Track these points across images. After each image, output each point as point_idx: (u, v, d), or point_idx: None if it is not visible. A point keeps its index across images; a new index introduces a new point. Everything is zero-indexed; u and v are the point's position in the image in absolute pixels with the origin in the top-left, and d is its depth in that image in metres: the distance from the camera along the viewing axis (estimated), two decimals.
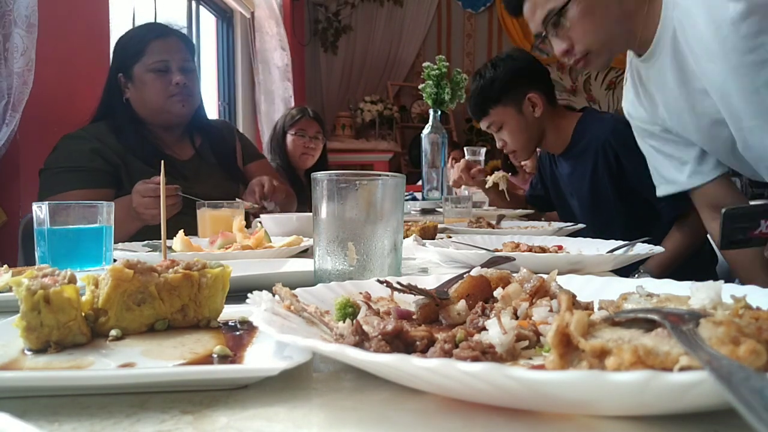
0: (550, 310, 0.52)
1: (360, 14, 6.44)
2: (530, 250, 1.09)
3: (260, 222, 1.57)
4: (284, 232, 1.46)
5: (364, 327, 0.47)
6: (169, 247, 1.15)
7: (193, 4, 4.26)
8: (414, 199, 3.08)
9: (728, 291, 0.47)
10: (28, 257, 1.62)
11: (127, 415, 0.37)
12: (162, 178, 0.78)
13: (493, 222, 1.80)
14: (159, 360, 0.46)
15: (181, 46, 1.96)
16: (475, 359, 0.41)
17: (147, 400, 0.39)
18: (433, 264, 1.14)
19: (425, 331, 0.46)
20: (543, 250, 1.11)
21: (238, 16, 4.82)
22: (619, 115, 2.37)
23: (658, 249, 1.06)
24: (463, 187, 2.62)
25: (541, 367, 0.43)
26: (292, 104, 4.87)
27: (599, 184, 2.10)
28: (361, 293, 0.61)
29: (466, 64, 6.41)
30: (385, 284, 0.58)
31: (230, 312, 0.59)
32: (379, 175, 0.78)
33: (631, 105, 1.66)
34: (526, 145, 2.24)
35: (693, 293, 0.46)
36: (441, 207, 2.20)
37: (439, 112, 2.48)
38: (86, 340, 0.50)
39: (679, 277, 0.67)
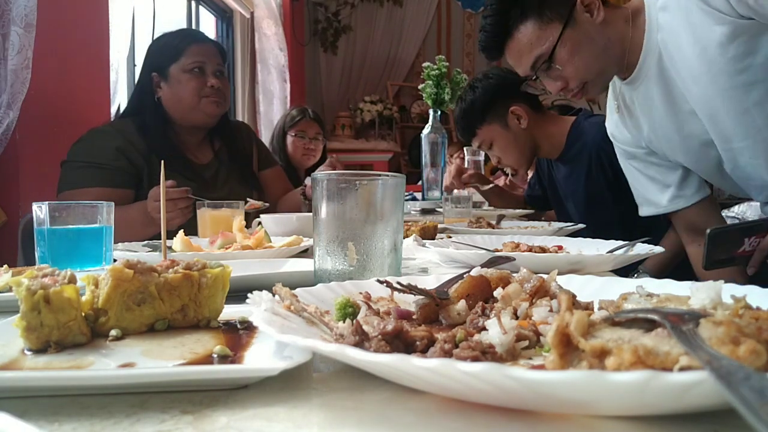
0: (550, 310, 0.52)
1: (360, 14, 6.44)
2: (530, 250, 1.09)
3: (260, 222, 1.57)
4: (284, 232, 1.46)
5: (364, 327, 0.47)
6: (169, 247, 1.15)
7: (193, 4, 4.25)
8: (414, 199, 3.08)
9: (728, 291, 0.47)
10: (28, 257, 1.62)
11: (127, 415, 0.37)
12: (162, 178, 0.78)
13: (493, 222, 1.80)
14: (159, 360, 0.46)
15: (216, 52, 2.04)
16: (475, 359, 0.41)
17: (147, 400, 0.39)
18: (433, 264, 1.14)
19: (425, 331, 0.46)
20: (543, 250, 1.11)
21: (237, 16, 4.82)
22: None
23: (658, 249, 1.06)
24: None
25: (541, 367, 0.43)
26: (289, 104, 4.87)
27: (595, 187, 2.11)
28: (361, 293, 0.61)
29: (465, 64, 6.41)
30: (385, 284, 0.58)
31: (230, 312, 0.59)
32: (379, 175, 0.78)
33: (615, 127, 1.65)
34: (519, 158, 2.25)
35: (693, 293, 0.46)
36: (441, 207, 2.20)
37: (439, 112, 2.49)
38: (86, 340, 0.50)
39: (679, 277, 0.67)
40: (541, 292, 0.56)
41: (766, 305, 0.46)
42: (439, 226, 1.61)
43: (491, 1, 1.57)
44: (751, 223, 1.34)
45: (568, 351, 0.39)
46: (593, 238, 1.27)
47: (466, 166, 2.78)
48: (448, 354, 0.43)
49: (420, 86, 2.47)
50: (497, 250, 1.13)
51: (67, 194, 1.75)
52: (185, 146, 2.03)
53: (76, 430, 0.35)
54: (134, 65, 3.11)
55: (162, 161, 0.90)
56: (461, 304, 0.55)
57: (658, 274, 1.83)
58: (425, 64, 2.43)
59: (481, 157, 2.72)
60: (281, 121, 3.37)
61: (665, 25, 1.32)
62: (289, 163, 3.21)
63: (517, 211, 2.44)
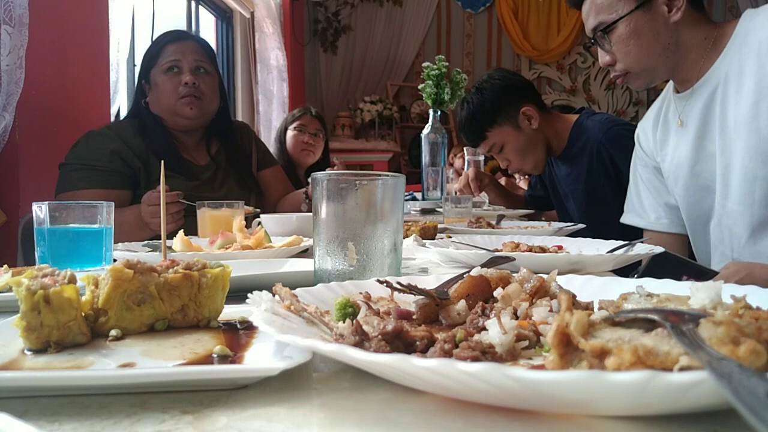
0: (550, 310, 0.52)
1: (360, 14, 6.45)
2: (530, 250, 1.08)
3: (260, 222, 1.57)
4: (284, 232, 1.46)
5: (364, 327, 0.47)
6: (169, 247, 1.15)
7: (193, 4, 4.25)
8: (414, 199, 3.08)
9: (728, 291, 0.47)
10: (28, 257, 1.62)
11: (127, 415, 0.37)
12: (162, 179, 0.78)
13: (493, 222, 1.80)
14: (159, 360, 0.46)
15: (195, 48, 1.98)
16: (475, 359, 0.41)
17: (147, 400, 0.39)
18: (433, 264, 1.14)
19: (425, 331, 0.46)
20: (543, 250, 1.11)
21: (237, 16, 4.82)
22: (613, 117, 2.37)
23: (658, 249, 1.06)
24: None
25: (541, 367, 0.43)
26: (288, 105, 4.87)
27: (595, 185, 2.11)
28: (361, 293, 0.61)
29: (465, 64, 6.41)
30: (385, 284, 0.58)
31: (230, 312, 0.59)
32: (379, 175, 0.78)
33: (643, 131, 1.64)
34: (536, 160, 2.24)
35: (693, 293, 0.46)
36: (441, 207, 2.20)
37: (439, 112, 2.48)
38: (86, 340, 0.50)
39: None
40: (541, 292, 0.56)
41: (766, 305, 0.46)
42: (439, 226, 1.61)
43: None
44: (701, 268, 1.32)
45: (568, 351, 0.39)
46: (593, 238, 1.27)
47: (466, 166, 2.78)
48: (448, 354, 0.43)
49: (420, 86, 2.46)
50: (497, 250, 1.12)
51: (64, 196, 1.75)
52: (183, 147, 2.02)
53: (76, 430, 0.35)
54: (134, 65, 3.11)
55: (162, 162, 0.90)
56: (461, 304, 0.55)
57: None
58: (425, 64, 2.43)
59: (481, 158, 2.72)
60: (284, 120, 3.39)
61: (742, 63, 1.31)
62: (290, 161, 3.21)
63: (517, 211, 2.44)
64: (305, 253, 1.23)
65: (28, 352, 0.48)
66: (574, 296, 0.53)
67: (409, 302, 0.59)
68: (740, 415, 0.27)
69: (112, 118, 2.54)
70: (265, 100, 4.79)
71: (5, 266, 0.85)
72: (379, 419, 0.36)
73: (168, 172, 1.82)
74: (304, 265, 0.92)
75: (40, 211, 0.97)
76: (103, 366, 0.45)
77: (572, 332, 0.39)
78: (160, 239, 1.53)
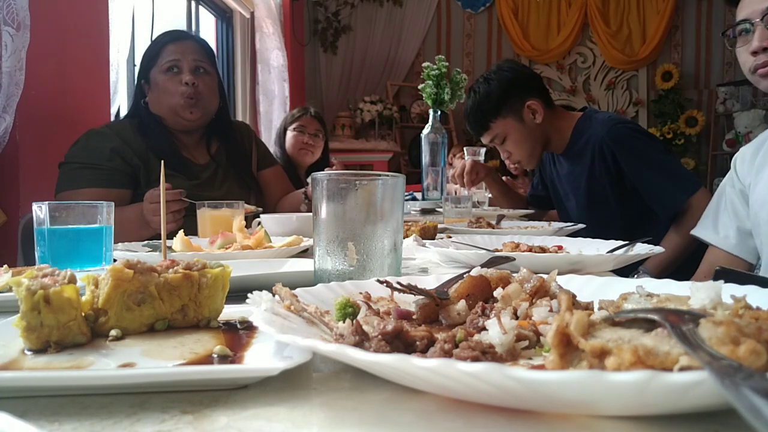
0: (550, 310, 0.52)
1: (360, 14, 6.44)
2: (530, 250, 1.08)
3: (260, 222, 1.57)
4: (284, 232, 1.46)
5: (364, 327, 0.47)
6: (169, 247, 1.15)
7: (193, 4, 4.25)
8: (414, 199, 3.08)
9: (728, 291, 0.47)
10: (28, 257, 1.62)
11: (127, 415, 0.37)
12: (162, 178, 0.78)
13: (493, 222, 1.80)
14: (159, 360, 0.46)
15: (195, 48, 1.99)
16: (475, 359, 0.41)
17: (147, 400, 0.39)
18: (433, 264, 1.14)
19: (425, 331, 0.46)
20: (543, 250, 1.11)
21: (237, 16, 4.82)
22: (617, 115, 2.37)
23: (658, 249, 1.06)
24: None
25: (541, 367, 0.43)
26: (288, 104, 4.87)
27: (596, 184, 2.10)
28: (361, 293, 0.61)
29: (465, 64, 6.40)
30: (385, 284, 0.58)
31: (230, 312, 0.59)
32: (379, 175, 0.78)
33: (741, 155, 1.61)
34: (531, 153, 2.24)
35: (693, 293, 0.46)
36: (441, 207, 2.20)
37: (439, 112, 2.48)
38: (86, 340, 0.50)
39: (679, 277, 0.67)
40: (541, 292, 0.56)
41: (766, 305, 0.46)
42: (439, 226, 1.61)
43: None
44: (761, 278, 1.31)
45: (568, 351, 0.39)
46: (593, 238, 1.27)
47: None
48: (448, 354, 0.43)
49: (420, 86, 2.46)
50: (497, 250, 1.12)
51: (64, 195, 1.75)
52: (183, 146, 2.02)
53: (76, 430, 0.35)
54: (134, 65, 3.11)
55: (162, 161, 0.90)
56: (461, 304, 0.55)
57: (659, 274, 1.83)
58: (425, 64, 2.43)
59: (481, 157, 2.71)
60: (283, 120, 3.39)
61: None
62: (290, 161, 3.21)
63: (518, 211, 2.44)
64: (305, 253, 1.23)
65: (28, 352, 0.48)
66: (574, 296, 0.53)
67: (409, 302, 0.59)
68: (740, 415, 0.27)
69: (112, 118, 2.53)
70: (265, 100, 4.79)
71: (5, 266, 0.85)
72: (380, 419, 0.36)
73: (168, 170, 1.82)
74: (304, 265, 0.92)
75: (40, 211, 0.97)
76: (103, 366, 0.45)
77: (572, 332, 0.39)
78: (160, 239, 1.54)
